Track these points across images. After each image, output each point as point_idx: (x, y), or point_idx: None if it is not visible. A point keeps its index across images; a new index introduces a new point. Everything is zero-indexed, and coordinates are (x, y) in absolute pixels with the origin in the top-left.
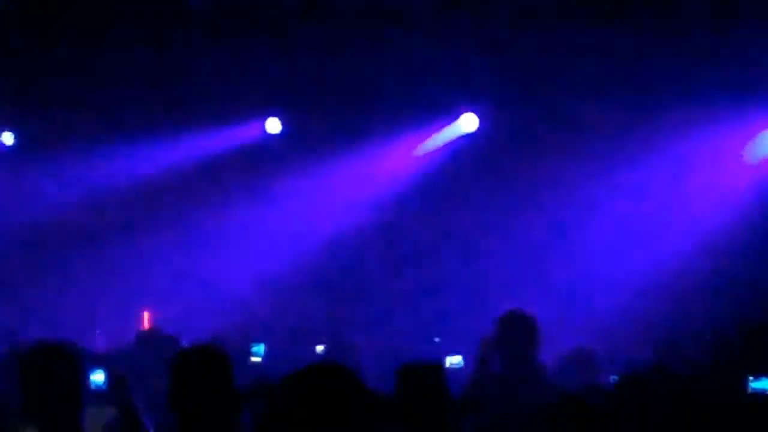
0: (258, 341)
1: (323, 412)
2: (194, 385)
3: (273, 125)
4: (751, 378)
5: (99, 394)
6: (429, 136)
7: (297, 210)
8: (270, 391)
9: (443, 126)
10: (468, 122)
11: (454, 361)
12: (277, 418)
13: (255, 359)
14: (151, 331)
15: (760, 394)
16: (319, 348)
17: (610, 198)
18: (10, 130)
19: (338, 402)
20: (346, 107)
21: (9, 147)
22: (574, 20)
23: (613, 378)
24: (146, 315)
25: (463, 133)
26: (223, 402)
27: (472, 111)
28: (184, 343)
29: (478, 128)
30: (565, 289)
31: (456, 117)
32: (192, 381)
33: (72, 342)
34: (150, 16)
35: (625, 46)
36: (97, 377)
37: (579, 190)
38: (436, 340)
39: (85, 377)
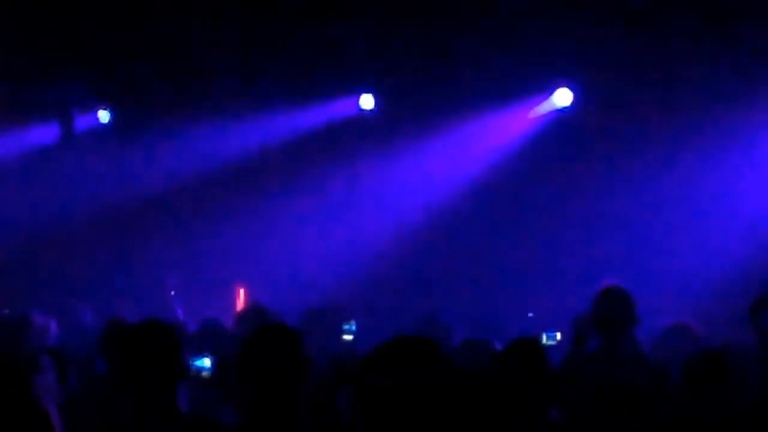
0: (349, 319)
1: (411, 382)
2: (262, 361)
3: (367, 102)
4: None
5: (204, 378)
6: (522, 111)
7: (390, 187)
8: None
9: (537, 101)
10: (562, 97)
11: (550, 336)
12: (367, 391)
13: (347, 337)
14: (252, 308)
15: None
16: (411, 324)
17: (711, 181)
18: (105, 109)
19: (426, 373)
20: (439, 83)
21: (104, 125)
22: None
23: None
24: (242, 293)
25: (556, 108)
26: (292, 377)
27: (567, 86)
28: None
29: (572, 104)
30: (660, 272)
31: (550, 92)
32: (259, 358)
33: (171, 322)
34: None
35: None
36: (205, 362)
37: (675, 171)
38: (530, 315)
39: (185, 358)
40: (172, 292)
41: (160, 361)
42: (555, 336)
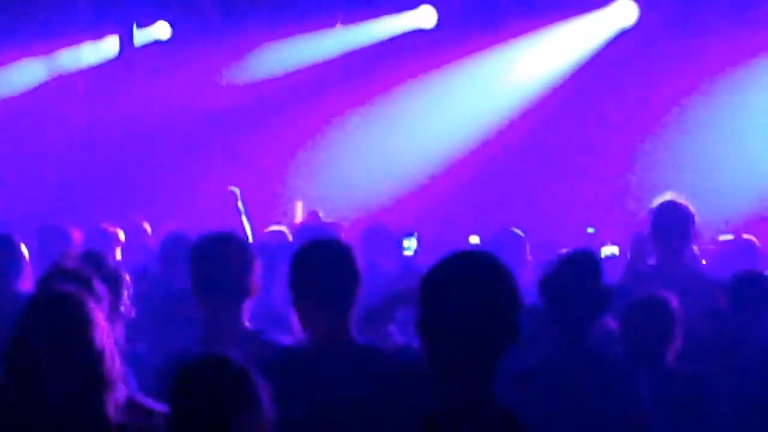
0: (410, 233)
1: (481, 300)
2: (311, 274)
3: (426, 17)
4: None
5: None
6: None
7: (448, 103)
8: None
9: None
10: (624, 11)
11: (608, 251)
12: (433, 306)
13: (407, 252)
14: (308, 221)
15: None
16: (474, 239)
17: None
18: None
19: (492, 290)
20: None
21: (164, 40)
22: None
23: None
24: (299, 206)
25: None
26: (345, 290)
27: None
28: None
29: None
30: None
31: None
32: (312, 271)
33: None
34: None
35: None
36: None
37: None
38: (590, 230)
39: (253, 268)
40: (239, 204)
41: (232, 276)
42: (613, 250)
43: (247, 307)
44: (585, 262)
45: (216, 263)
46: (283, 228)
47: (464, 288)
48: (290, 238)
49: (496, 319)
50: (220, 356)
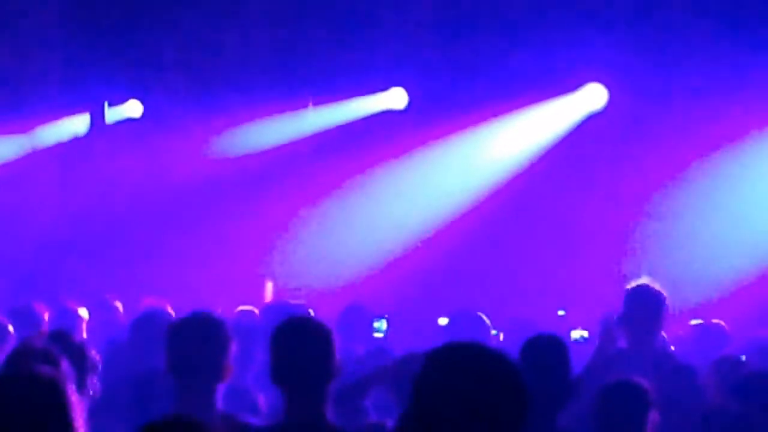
0: (381, 316)
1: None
2: (294, 356)
3: (397, 98)
4: None
5: None
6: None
7: (420, 183)
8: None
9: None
10: (594, 96)
11: (578, 335)
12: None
13: (377, 335)
14: (277, 303)
15: None
16: (443, 321)
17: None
18: (137, 99)
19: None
20: (469, 80)
21: (135, 117)
22: None
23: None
24: (269, 286)
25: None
26: (323, 372)
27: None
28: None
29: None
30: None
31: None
32: (292, 353)
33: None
34: None
35: None
36: None
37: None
38: (561, 313)
39: (229, 350)
40: None
41: (210, 358)
42: (583, 334)
43: (221, 388)
44: (550, 349)
45: (194, 343)
46: (252, 308)
47: (471, 393)
48: (256, 317)
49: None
50: (192, 420)
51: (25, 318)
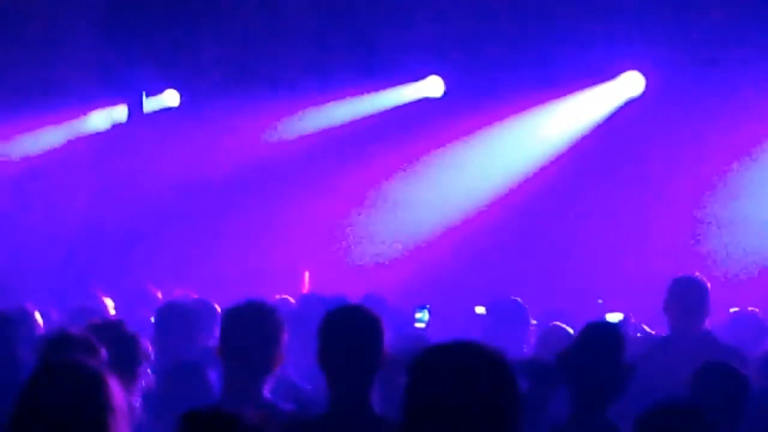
0: (422, 306)
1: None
2: (341, 343)
3: (435, 86)
4: None
5: None
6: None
7: (459, 172)
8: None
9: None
10: (632, 83)
11: (613, 318)
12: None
13: (420, 325)
14: (314, 293)
15: None
16: (480, 309)
17: None
18: (175, 89)
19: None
20: (507, 69)
21: (173, 107)
22: None
23: None
24: (307, 276)
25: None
26: (371, 361)
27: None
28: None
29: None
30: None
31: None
32: (340, 340)
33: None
34: None
35: None
36: None
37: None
38: (599, 301)
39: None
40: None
41: (263, 346)
42: (618, 317)
43: (269, 377)
44: (605, 337)
45: (248, 331)
46: (289, 297)
47: (461, 385)
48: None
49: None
50: (233, 413)
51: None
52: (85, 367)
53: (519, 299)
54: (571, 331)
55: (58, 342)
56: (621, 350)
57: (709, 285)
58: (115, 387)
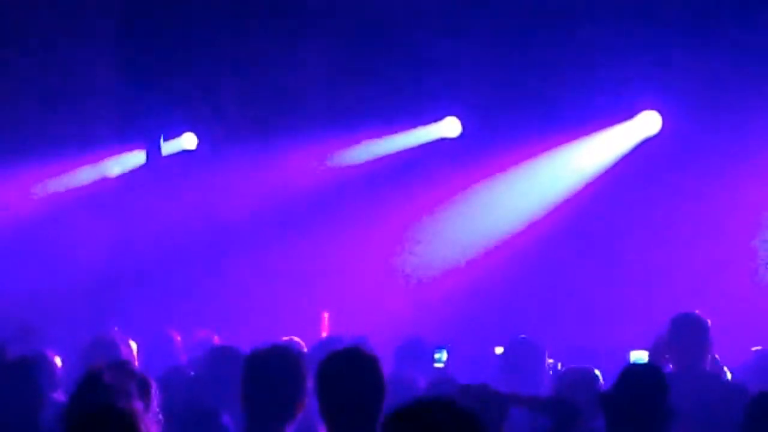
0: (441, 346)
1: None
2: (336, 385)
3: (452, 127)
4: None
5: None
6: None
7: (476, 212)
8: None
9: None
10: (651, 122)
11: (637, 356)
12: None
13: (438, 365)
14: (330, 337)
15: None
16: (499, 350)
17: None
18: (192, 131)
19: None
20: (525, 107)
21: (192, 149)
22: None
23: None
24: (326, 317)
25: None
26: (370, 400)
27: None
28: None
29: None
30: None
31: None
32: (333, 382)
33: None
34: None
35: None
36: None
37: None
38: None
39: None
40: None
41: (286, 392)
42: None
43: (292, 423)
44: (649, 377)
45: (273, 377)
46: (298, 339)
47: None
48: (304, 349)
49: None
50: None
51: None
52: (123, 411)
53: (532, 338)
54: (597, 372)
55: (91, 384)
56: (664, 393)
57: (709, 322)
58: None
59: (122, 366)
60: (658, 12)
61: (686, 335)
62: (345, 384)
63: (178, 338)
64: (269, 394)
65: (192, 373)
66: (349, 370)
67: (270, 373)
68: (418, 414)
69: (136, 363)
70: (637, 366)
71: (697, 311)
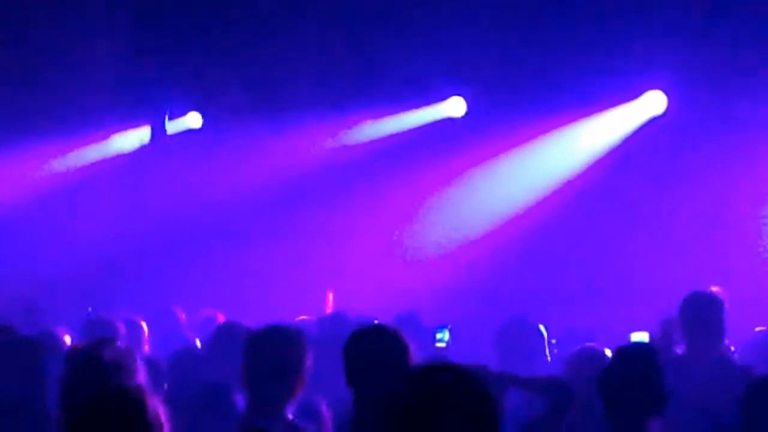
0: (443, 326)
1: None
2: (367, 362)
3: (457, 106)
4: None
5: None
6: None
7: (480, 192)
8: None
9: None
10: (656, 102)
11: (638, 337)
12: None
13: (440, 345)
14: (335, 315)
15: None
16: None
17: None
18: (197, 111)
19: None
20: (530, 87)
21: (196, 128)
22: None
23: None
24: (330, 297)
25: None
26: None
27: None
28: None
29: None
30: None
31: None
32: (364, 359)
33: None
34: None
35: None
36: None
37: None
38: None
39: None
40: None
41: (287, 370)
42: (643, 336)
43: (292, 399)
44: (642, 358)
45: (273, 355)
46: (310, 318)
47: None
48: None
49: None
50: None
51: (103, 330)
52: (130, 395)
53: (530, 319)
54: (608, 352)
55: (91, 363)
56: (656, 374)
57: (724, 302)
58: (157, 408)
59: (116, 343)
60: None
61: (698, 316)
62: (374, 361)
63: (183, 317)
64: (268, 374)
65: (201, 353)
66: (382, 344)
67: (268, 353)
68: (425, 377)
69: (147, 344)
70: (628, 347)
71: (714, 288)
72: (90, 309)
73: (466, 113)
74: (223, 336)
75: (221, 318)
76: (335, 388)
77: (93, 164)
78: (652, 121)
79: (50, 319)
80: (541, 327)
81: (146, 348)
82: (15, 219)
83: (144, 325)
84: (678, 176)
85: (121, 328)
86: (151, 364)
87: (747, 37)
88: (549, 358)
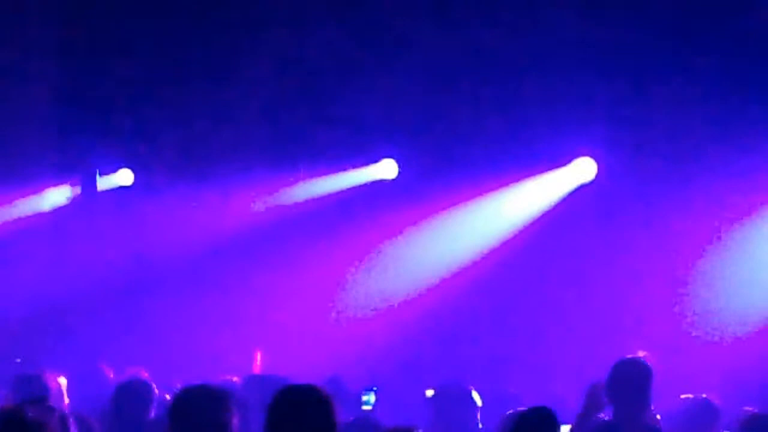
0: (369, 388)
1: None
2: (293, 422)
3: (388, 169)
4: None
5: None
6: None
7: (410, 254)
8: None
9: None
10: (585, 169)
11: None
12: None
13: (366, 408)
14: (262, 374)
15: None
16: (429, 392)
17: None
18: (128, 168)
19: None
20: (460, 153)
21: (126, 186)
22: None
23: None
24: (259, 356)
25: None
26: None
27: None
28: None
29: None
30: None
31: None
32: (290, 419)
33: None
34: None
35: None
36: None
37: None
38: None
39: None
40: None
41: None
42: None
43: None
44: (541, 419)
45: (198, 417)
46: (234, 378)
47: None
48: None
49: None
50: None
51: (31, 387)
52: None
53: (462, 384)
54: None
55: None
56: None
57: (652, 367)
58: None
59: (44, 402)
60: (596, 60)
61: (626, 383)
62: (301, 421)
63: (111, 375)
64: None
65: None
66: (305, 406)
67: (195, 414)
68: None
69: (66, 398)
70: (530, 411)
71: (641, 354)
72: (18, 360)
73: (398, 175)
74: (126, 396)
75: (146, 375)
76: None
77: (21, 219)
78: (582, 188)
79: None
80: (474, 393)
81: (66, 402)
82: None
83: (62, 379)
84: (606, 242)
85: (53, 384)
86: (81, 421)
87: (677, 105)
88: (480, 425)
